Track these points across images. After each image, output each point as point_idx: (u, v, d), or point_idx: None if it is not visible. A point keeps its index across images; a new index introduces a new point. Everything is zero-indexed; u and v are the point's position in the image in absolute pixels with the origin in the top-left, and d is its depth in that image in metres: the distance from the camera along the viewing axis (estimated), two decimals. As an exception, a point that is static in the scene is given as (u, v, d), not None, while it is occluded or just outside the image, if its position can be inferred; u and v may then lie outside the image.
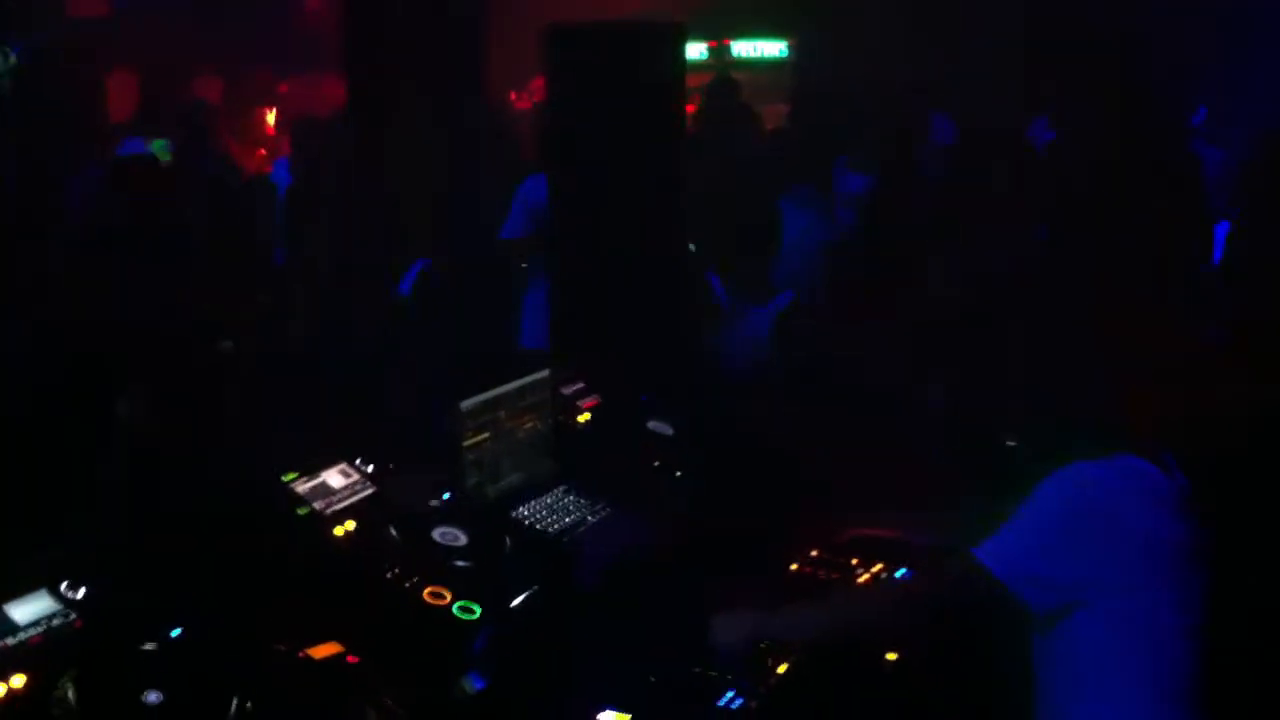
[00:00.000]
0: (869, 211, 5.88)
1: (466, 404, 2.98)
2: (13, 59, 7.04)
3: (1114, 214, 4.92)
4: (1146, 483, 2.38)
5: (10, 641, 2.06)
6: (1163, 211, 4.90)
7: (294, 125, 7.60)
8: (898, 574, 3.05)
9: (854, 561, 3.10)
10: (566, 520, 3.08)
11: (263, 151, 8.72)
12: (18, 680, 2.00)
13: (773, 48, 10.27)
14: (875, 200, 5.83)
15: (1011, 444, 3.64)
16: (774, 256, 5.27)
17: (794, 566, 3.13)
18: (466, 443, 2.97)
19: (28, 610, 2.11)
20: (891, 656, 2.68)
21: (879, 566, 3.07)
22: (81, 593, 2.17)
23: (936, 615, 2.54)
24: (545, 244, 5.13)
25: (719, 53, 10.07)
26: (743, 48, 10.21)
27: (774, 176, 6.21)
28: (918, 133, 6.34)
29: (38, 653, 2.06)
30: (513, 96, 9.18)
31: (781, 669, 2.63)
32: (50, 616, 2.12)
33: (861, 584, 3.01)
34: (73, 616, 2.13)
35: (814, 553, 3.15)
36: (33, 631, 2.09)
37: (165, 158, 6.87)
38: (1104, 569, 2.34)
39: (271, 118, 8.75)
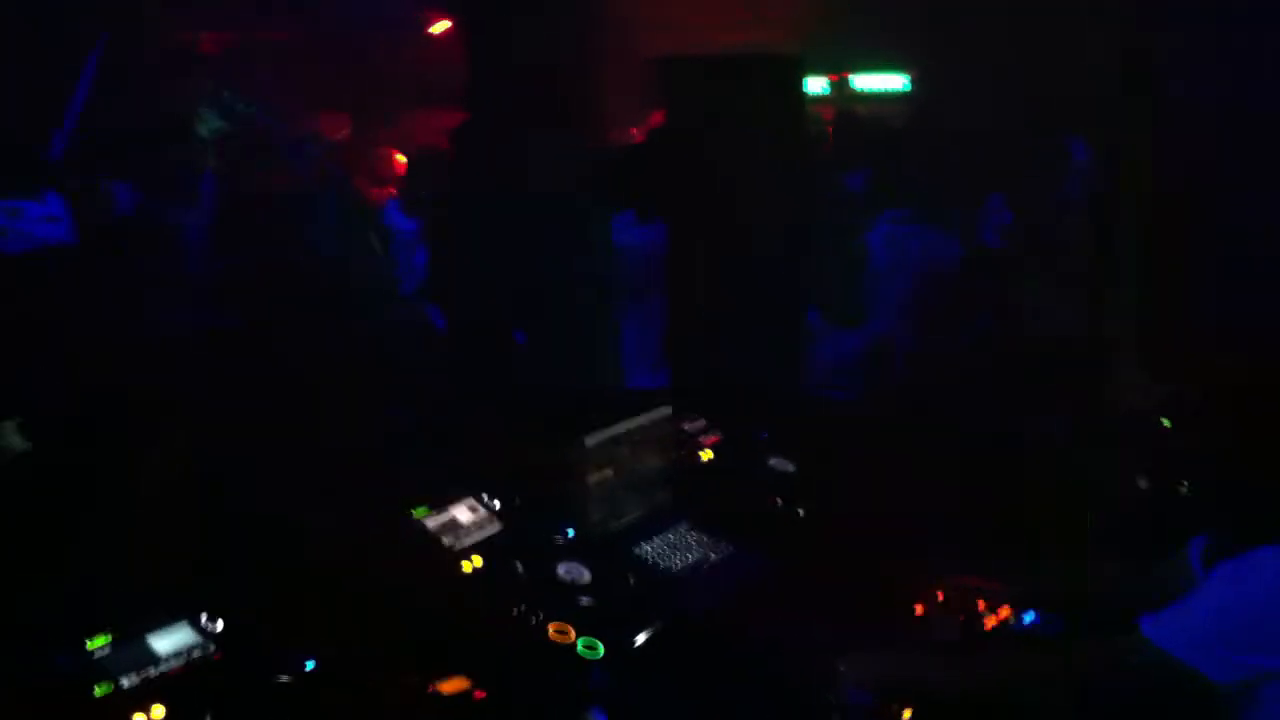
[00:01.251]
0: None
1: (590, 440, 3.01)
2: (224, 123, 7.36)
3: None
4: None
5: (152, 672, 2.12)
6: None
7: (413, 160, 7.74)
8: (1026, 618, 3.00)
9: (980, 605, 3.04)
10: (689, 558, 3.08)
11: (391, 190, 8.87)
12: (157, 710, 2.05)
13: (894, 81, 10.19)
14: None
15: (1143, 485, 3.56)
16: (857, 282, 5.30)
17: (919, 609, 3.08)
18: (589, 479, 3.00)
19: (169, 642, 2.17)
20: None
21: (1006, 611, 3.02)
22: (220, 625, 2.23)
23: (1099, 692, 2.44)
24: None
25: (840, 86, 10.02)
26: (863, 81, 10.14)
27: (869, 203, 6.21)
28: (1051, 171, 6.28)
29: (178, 684, 2.12)
30: (634, 132, 9.23)
31: (906, 715, 2.60)
32: (191, 648, 2.18)
33: (1004, 639, 2.94)
34: (212, 648, 2.19)
35: (939, 595, 3.10)
36: (174, 663, 2.14)
37: None
38: None
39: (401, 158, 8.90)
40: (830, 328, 5.28)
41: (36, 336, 3.42)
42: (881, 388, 5.25)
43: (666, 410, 3.32)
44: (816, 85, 9.76)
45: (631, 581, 2.78)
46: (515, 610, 2.56)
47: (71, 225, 3.52)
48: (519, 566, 2.70)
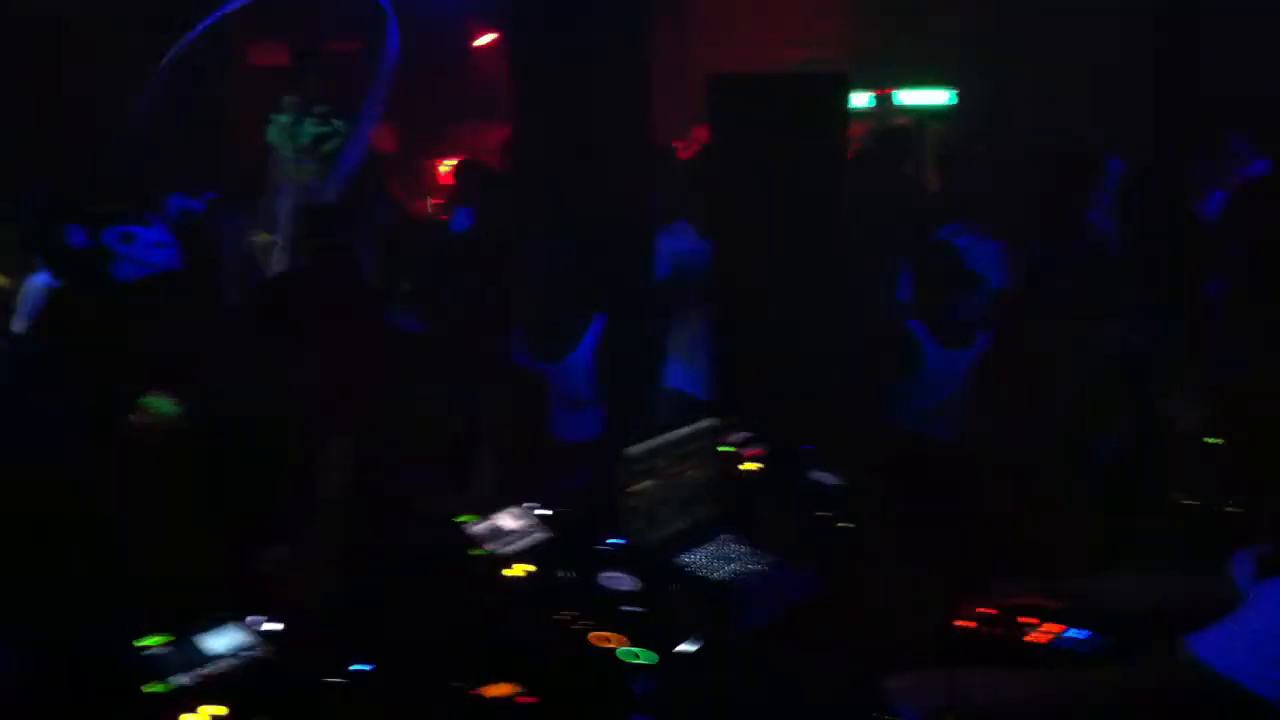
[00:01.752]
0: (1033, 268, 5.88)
1: (632, 450, 3.02)
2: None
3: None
4: None
5: (203, 672, 2.14)
6: None
7: (459, 167, 7.81)
8: (1068, 633, 2.98)
9: (1026, 621, 3.03)
10: (730, 568, 3.10)
11: (435, 200, 8.92)
12: (207, 710, 2.06)
13: (938, 96, 10.16)
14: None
15: (1189, 502, 3.54)
16: (962, 299, 5.33)
17: (959, 622, 3.07)
18: (632, 489, 3.02)
19: (221, 641, 2.20)
20: None
21: (1052, 627, 3.00)
22: (270, 626, 2.25)
23: (1146, 710, 2.43)
24: (697, 290, 5.21)
25: (883, 101, 10.01)
26: (907, 96, 10.12)
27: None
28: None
29: (230, 683, 2.14)
30: (679, 145, 9.25)
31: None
32: (241, 649, 2.20)
33: (1073, 675, 2.88)
34: (261, 649, 2.22)
35: (985, 611, 3.09)
36: (224, 663, 2.17)
37: None
38: None
39: (444, 167, 8.97)
40: (939, 347, 5.32)
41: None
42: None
43: (709, 422, 3.34)
44: (860, 100, 9.76)
45: (674, 591, 2.80)
46: (558, 616, 2.57)
47: (178, 250, 3.59)
48: (562, 574, 2.72)
